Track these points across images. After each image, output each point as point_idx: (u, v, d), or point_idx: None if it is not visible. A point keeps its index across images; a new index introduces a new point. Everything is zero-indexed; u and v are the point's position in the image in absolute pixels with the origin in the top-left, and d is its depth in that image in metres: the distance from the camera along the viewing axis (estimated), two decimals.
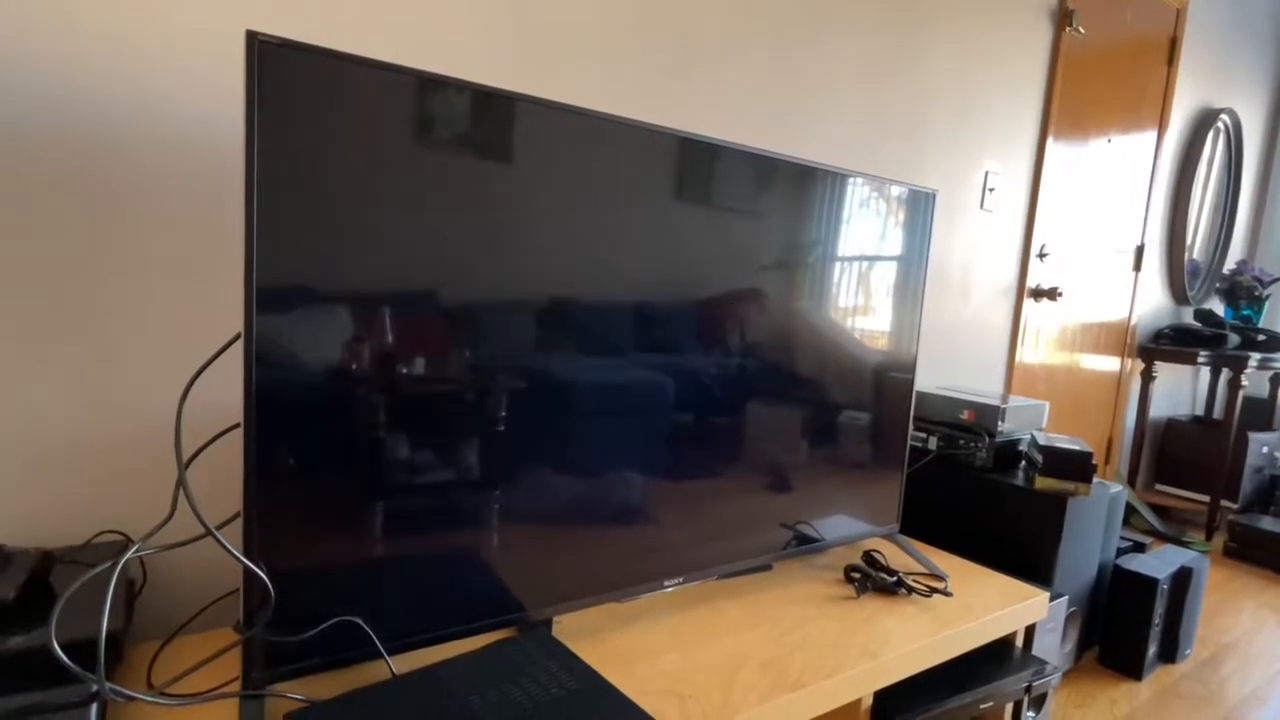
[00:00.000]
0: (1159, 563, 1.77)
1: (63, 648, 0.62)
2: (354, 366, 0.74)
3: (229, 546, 0.68)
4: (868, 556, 1.28)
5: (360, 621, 0.77)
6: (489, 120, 0.79)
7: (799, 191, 1.10)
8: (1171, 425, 3.04)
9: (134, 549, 0.65)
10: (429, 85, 0.75)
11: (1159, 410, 3.09)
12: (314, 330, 0.71)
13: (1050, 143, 2.19)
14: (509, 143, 0.81)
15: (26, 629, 0.64)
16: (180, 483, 0.68)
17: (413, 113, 0.74)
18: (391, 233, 0.74)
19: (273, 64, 0.66)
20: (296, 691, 0.76)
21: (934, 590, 1.20)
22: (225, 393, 0.93)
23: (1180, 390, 3.23)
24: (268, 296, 0.68)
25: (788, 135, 1.55)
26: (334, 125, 0.70)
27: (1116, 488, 1.69)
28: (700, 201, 0.99)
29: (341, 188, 0.71)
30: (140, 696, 0.65)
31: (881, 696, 1.06)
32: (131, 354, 0.89)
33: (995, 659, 1.23)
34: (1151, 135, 2.67)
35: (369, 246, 0.73)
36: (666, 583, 1.04)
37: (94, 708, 0.62)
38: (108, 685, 0.62)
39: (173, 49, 0.88)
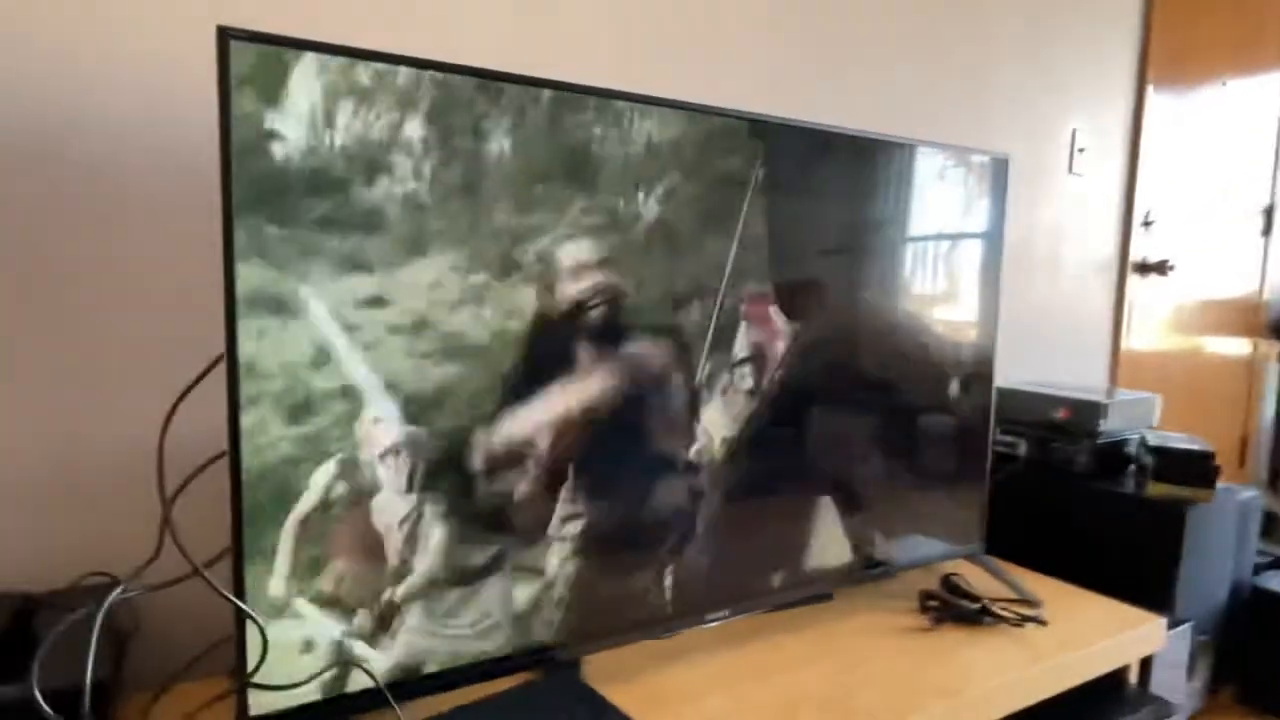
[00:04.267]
0: None
1: (46, 697, 0.66)
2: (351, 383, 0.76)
3: (216, 585, 0.71)
4: (946, 581, 1.26)
5: (365, 665, 0.79)
6: (480, 103, 0.81)
7: (845, 166, 1.10)
8: None
9: (118, 590, 0.69)
10: (432, 75, 0.77)
11: None
12: (304, 347, 0.74)
13: (1151, 91, 2.14)
14: (506, 130, 0.83)
15: (7, 678, 0.68)
16: (165, 517, 0.72)
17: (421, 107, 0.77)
18: (380, 239, 0.77)
19: (245, 60, 0.69)
20: None
21: (1025, 618, 1.17)
22: (217, 417, 0.97)
23: None
24: (251, 314, 0.71)
25: (826, 99, 1.54)
26: (324, 123, 0.73)
27: (1249, 492, 1.63)
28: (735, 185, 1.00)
29: (332, 190, 0.74)
30: None
31: None
32: (113, 380, 0.94)
33: (1105, 698, 1.20)
34: (1276, 75, 2.58)
35: (363, 256, 0.76)
36: (709, 616, 1.04)
37: None
38: None
39: (150, 53, 0.93)
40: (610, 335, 0.92)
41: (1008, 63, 1.83)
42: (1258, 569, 1.75)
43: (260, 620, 0.73)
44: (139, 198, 0.94)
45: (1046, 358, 2.05)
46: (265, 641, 0.73)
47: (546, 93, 0.85)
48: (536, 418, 0.88)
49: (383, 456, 0.79)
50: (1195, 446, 1.48)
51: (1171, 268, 2.22)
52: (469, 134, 0.81)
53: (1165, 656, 1.38)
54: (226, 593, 0.71)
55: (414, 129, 0.78)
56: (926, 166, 1.20)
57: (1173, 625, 1.40)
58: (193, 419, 0.97)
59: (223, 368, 0.72)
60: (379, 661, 0.80)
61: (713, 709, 0.92)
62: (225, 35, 0.68)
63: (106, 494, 0.95)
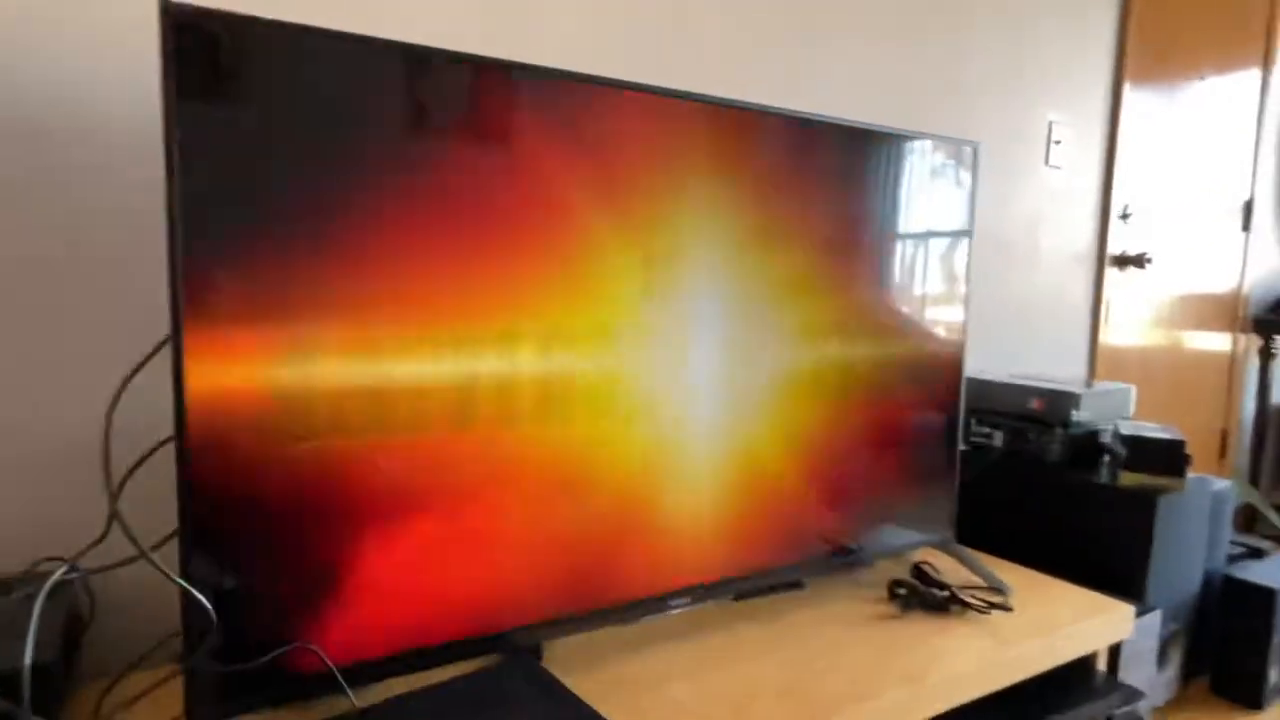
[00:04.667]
0: None
1: None
2: (298, 365, 0.75)
3: (161, 566, 0.70)
4: (917, 570, 1.26)
5: (316, 648, 0.78)
6: (445, 91, 0.80)
7: (800, 151, 1.09)
8: None
9: (62, 569, 0.68)
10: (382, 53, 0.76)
11: None
12: (254, 330, 0.73)
13: (1128, 86, 2.13)
14: (474, 114, 0.82)
15: None
16: (112, 499, 0.71)
17: (368, 88, 0.76)
18: (332, 222, 0.76)
19: (191, 38, 0.68)
20: None
21: (992, 605, 1.17)
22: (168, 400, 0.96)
23: None
24: (197, 295, 0.70)
25: (799, 88, 1.53)
26: (272, 103, 0.72)
27: (1222, 483, 1.63)
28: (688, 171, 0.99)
29: (282, 173, 0.73)
30: None
31: None
32: (60, 362, 0.93)
33: (1073, 686, 1.19)
34: (1256, 71, 2.58)
35: (314, 238, 0.75)
36: (672, 603, 1.03)
37: None
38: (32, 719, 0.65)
39: (95, 28, 0.92)
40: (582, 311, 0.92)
41: (983, 54, 1.82)
42: (1232, 559, 1.75)
43: (206, 602, 0.72)
44: (82, 178, 0.93)
45: (1027, 351, 2.04)
46: (214, 623, 0.72)
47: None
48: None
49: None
50: (1166, 436, 1.48)
51: (1150, 261, 2.21)
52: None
53: (1135, 645, 1.38)
54: (171, 574, 0.70)
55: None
56: (895, 154, 1.19)
57: (1142, 614, 1.39)
58: (146, 403, 0.96)
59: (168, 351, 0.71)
60: (331, 643, 0.80)
61: (672, 696, 0.91)
62: (168, 10, 0.67)
63: (65, 480, 0.94)
